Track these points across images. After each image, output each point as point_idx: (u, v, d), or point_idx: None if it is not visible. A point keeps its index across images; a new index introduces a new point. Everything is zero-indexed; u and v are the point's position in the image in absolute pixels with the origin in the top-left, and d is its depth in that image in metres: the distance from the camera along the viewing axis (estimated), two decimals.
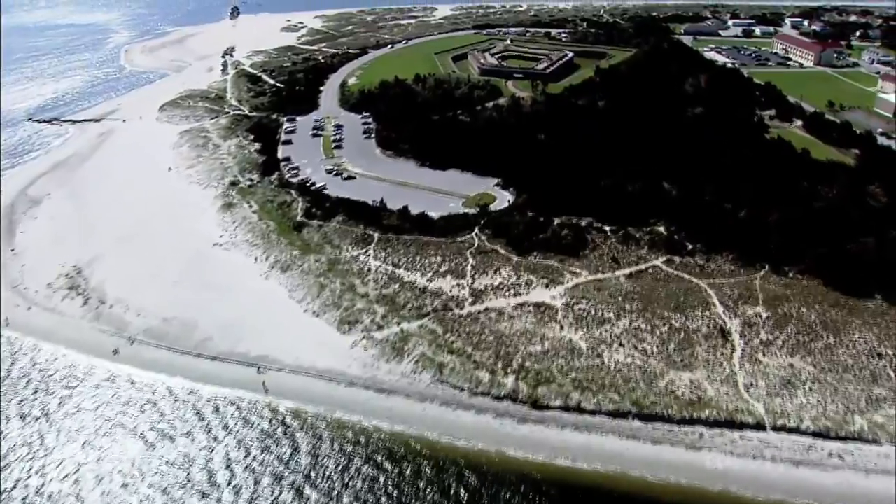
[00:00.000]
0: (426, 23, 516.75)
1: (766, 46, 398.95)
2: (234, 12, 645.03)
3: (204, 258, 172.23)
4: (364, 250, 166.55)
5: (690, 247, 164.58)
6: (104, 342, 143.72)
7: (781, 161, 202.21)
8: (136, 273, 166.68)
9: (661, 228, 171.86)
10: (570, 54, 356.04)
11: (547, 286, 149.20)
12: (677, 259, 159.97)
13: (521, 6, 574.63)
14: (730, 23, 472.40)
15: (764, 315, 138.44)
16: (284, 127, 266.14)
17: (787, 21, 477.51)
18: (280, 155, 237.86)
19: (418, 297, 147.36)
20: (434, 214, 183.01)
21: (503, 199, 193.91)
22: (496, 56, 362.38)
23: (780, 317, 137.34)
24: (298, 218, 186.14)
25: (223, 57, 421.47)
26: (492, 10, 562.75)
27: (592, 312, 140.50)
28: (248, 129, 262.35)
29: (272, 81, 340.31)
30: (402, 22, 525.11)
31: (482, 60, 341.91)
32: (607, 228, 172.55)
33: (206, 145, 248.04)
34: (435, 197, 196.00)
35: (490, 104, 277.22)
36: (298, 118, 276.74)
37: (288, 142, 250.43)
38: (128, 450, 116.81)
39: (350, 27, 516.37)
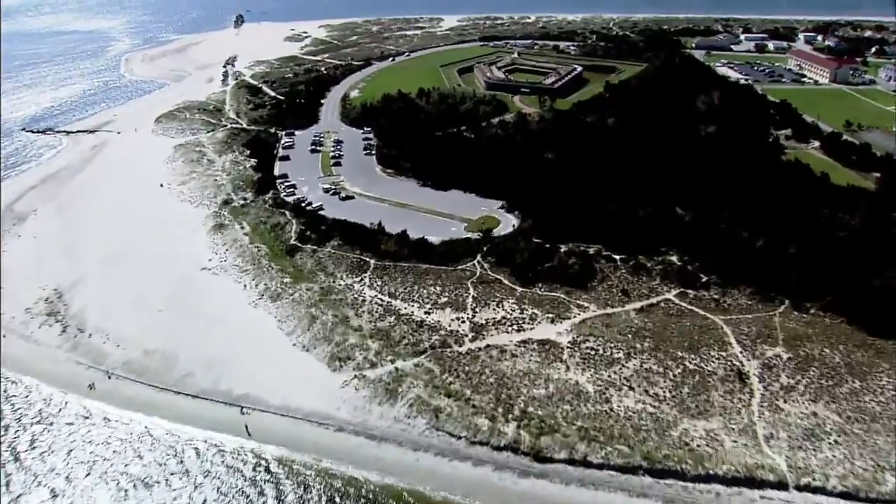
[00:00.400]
0: (432, 34, 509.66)
1: (779, 62, 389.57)
2: (239, 21, 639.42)
3: (191, 283, 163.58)
4: (359, 278, 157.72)
5: (705, 279, 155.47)
6: (80, 376, 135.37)
7: (799, 185, 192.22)
8: (119, 299, 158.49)
9: (674, 258, 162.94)
10: (579, 68, 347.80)
11: (552, 321, 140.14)
12: (691, 292, 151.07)
13: (529, 18, 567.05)
14: (742, 37, 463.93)
15: (784, 356, 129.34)
16: (282, 142, 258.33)
17: (801, 36, 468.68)
18: (276, 172, 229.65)
19: (415, 331, 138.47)
20: (434, 239, 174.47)
21: (507, 223, 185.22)
22: (503, 69, 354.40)
23: (802, 358, 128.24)
24: (292, 241, 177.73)
25: (224, 67, 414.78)
26: (499, 22, 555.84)
27: (600, 351, 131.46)
28: (244, 143, 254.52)
29: (272, 93, 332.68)
30: (408, 33, 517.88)
31: (488, 74, 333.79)
32: (617, 257, 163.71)
33: (201, 160, 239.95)
34: (436, 220, 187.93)
35: (496, 120, 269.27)
36: (297, 133, 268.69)
37: (285, 158, 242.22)
38: (100, 498, 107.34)
39: (355, 37, 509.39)
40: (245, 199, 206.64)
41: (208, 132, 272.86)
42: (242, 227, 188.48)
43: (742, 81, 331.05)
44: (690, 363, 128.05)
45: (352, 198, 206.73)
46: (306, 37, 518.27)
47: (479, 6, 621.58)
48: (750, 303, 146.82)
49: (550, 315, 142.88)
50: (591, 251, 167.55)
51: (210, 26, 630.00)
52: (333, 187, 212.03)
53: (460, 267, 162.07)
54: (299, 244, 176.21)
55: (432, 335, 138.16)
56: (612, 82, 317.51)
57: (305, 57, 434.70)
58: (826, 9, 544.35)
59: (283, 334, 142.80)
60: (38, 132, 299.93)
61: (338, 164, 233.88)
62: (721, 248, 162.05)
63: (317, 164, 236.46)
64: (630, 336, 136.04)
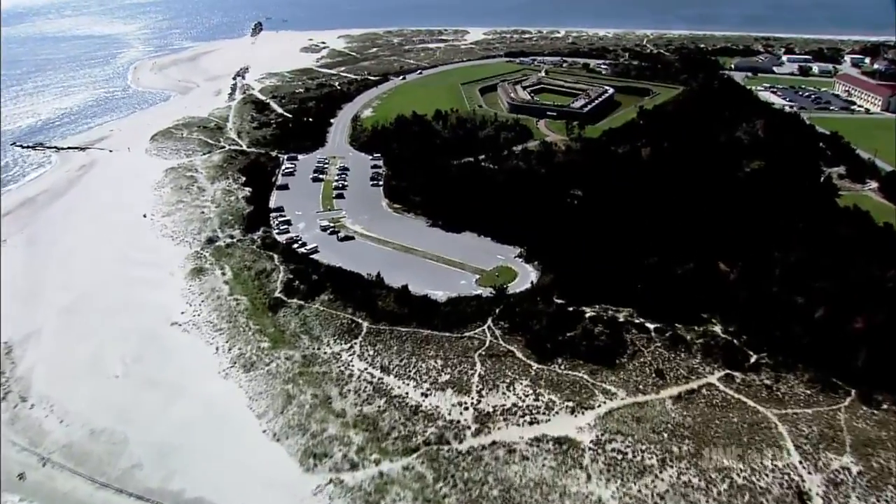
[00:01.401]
0: (455, 47, 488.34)
1: (825, 87, 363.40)
2: (257, 28, 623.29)
3: (157, 342, 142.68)
4: (349, 345, 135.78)
5: (754, 358, 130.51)
6: (11, 460, 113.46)
7: (860, 238, 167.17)
8: (74, 359, 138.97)
9: (717, 328, 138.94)
10: (611, 90, 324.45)
11: (573, 411, 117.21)
12: (738, 376, 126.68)
13: (558, 32, 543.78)
14: (784, 58, 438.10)
15: (854, 469, 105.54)
16: (283, 167, 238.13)
17: (847, 58, 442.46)
18: (272, 203, 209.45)
19: (407, 419, 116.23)
20: (440, 295, 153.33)
21: (525, 275, 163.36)
22: (528, 90, 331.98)
23: (876, 473, 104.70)
24: (276, 294, 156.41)
25: (234, 79, 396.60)
26: (527, 36, 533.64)
27: (629, 455, 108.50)
28: (240, 169, 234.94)
29: (280, 110, 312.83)
30: (430, 46, 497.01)
31: (512, 95, 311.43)
32: (651, 326, 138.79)
33: (191, 188, 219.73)
34: (444, 270, 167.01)
35: (518, 148, 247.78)
36: (301, 157, 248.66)
37: (284, 186, 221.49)
38: None
39: (374, 49, 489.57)
40: (232, 236, 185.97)
41: (204, 154, 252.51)
42: (224, 273, 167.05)
43: (787, 108, 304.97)
44: (739, 476, 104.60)
45: (351, 238, 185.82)
46: (324, 48, 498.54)
47: (507, 19, 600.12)
48: (809, 392, 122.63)
49: (570, 403, 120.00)
50: (621, 317, 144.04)
51: (227, 34, 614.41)
52: (332, 225, 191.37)
53: (468, 334, 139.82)
54: (284, 297, 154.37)
55: (428, 426, 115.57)
56: (646, 107, 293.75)
57: (320, 70, 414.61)
58: (871, 28, 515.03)
59: (252, 416, 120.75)
60: (28, 147, 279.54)
61: (340, 196, 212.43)
62: (773, 319, 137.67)
63: (317, 195, 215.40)
64: (666, 435, 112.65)
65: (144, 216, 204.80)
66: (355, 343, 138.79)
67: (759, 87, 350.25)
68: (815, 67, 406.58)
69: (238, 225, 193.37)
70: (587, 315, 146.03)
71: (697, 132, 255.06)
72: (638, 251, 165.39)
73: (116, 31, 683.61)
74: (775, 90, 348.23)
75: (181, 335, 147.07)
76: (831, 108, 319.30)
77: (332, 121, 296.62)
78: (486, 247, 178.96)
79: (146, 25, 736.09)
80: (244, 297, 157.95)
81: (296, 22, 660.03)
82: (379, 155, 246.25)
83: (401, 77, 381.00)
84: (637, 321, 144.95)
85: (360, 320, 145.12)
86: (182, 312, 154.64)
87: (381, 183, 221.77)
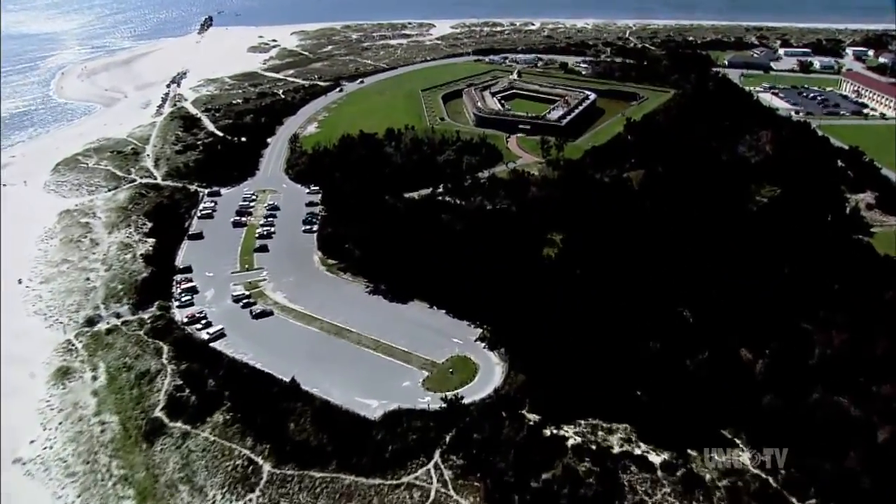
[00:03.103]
0: (420, 44, 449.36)
1: (830, 86, 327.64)
2: (206, 24, 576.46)
3: None
4: None
5: None
6: None
7: None
8: None
9: (745, 456, 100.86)
10: (592, 96, 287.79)
11: None
12: None
13: (532, 24, 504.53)
14: (781, 52, 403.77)
15: None
16: (201, 207, 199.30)
17: (849, 51, 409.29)
18: (179, 261, 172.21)
19: None
20: (374, 407, 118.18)
21: (488, 370, 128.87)
22: (498, 96, 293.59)
23: None
24: (157, 412, 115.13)
25: (168, 87, 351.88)
26: (498, 29, 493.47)
27: None
28: (147, 212, 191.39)
29: (211, 127, 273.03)
30: (392, 42, 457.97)
31: (479, 104, 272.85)
32: (656, 460, 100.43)
33: (83, 240, 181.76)
34: (384, 363, 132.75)
35: (485, 174, 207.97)
36: (224, 191, 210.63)
37: (197, 235, 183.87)
38: None
39: (329, 47, 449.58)
40: (118, 315, 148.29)
41: (109, 190, 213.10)
42: (95, 377, 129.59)
43: (792, 115, 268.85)
44: None
45: (269, 314, 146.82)
46: (274, 46, 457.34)
47: (478, 9, 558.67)
48: None
49: None
50: (615, 443, 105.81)
51: (174, 31, 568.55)
52: (247, 294, 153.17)
53: (406, 479, 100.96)
54: (166, 419, 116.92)
55: None
56: (633, 118, 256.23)
57: (266, 73, 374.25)
58: (868, 14, 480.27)
59: None
60: None
61: (264, 248, 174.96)
62: (820, 441, 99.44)
63: (237, 247, 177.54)
64: None
65: (20, 282, 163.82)
66: (250, 499, 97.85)
67: (758, 89, 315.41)
68: (817, 62, 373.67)
69: (128, 298, 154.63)
70: (569, 442, 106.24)
71: (695, 149, 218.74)
72: (634, 329, 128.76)
73: (55, 29, 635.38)
74: (776, 91, 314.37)
75: (22, 481, 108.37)
76: (841, 112, 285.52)
77: (269, 140, 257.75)
78: (439, 324, 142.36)
79: (89, 22, 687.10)
80: (115, 416, 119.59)
81: (250, 16, 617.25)
82: (317, 188, 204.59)
83: (358, 82, 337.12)
84: (637, 451, 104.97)
85: (260, 460, 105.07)
86: (32, 441, 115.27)
87: (315, 228, 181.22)
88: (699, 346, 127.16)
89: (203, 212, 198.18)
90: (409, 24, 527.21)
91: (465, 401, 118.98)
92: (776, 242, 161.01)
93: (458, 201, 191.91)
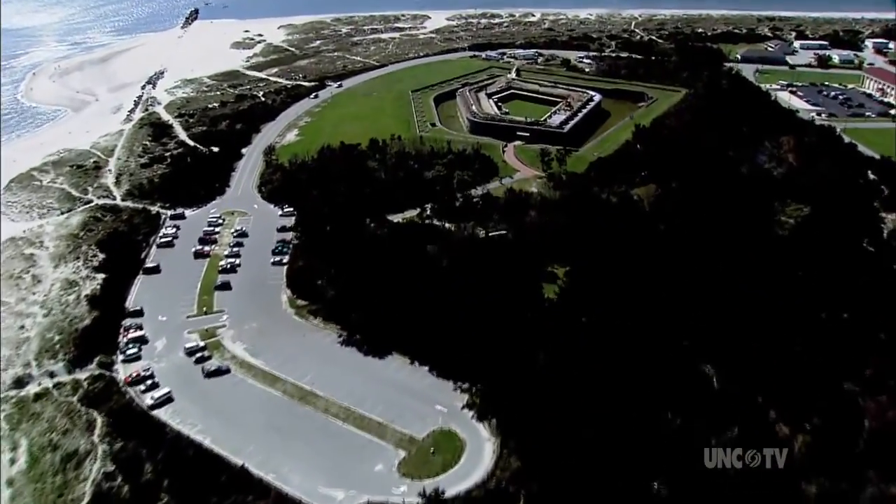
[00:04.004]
0: (413, 38, 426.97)
1: (851, 83, 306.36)
2: (192, 17, 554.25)
3: None
4: None
5: None
6: None
7: None
8: None
9: None
10: (597, 97, 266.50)
11: None
12: None
13: (532, 15, 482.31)
14: (796, 45, 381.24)
15: None
16: (161, 233, 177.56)
17: (868, 43, 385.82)
18: (130, 302, 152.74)
19: None
20: (340, 500, 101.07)
21: (477, 447, 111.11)
22: (495, 98, 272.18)
23: None
24: None
25: (143, 88, 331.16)
26: (496, 21, 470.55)
27: None
28: (99, 241, 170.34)
29: (183, 135, 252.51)
30: (384, 36, 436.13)
31: (474, 108, 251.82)
32: None
33: (24, 276, 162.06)
34: (355, 439, 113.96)
35: (479, 191, 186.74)
36: (189, 213, 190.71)
37: (153, 269, 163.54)
38: None
39: (317, 43, 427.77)
40: (52, 374, 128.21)
41: (62, 213, 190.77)
42: (13, 460, 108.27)
43: (814, 116, 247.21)
44: None
45: (225, 372, 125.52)
46: (259, 41, 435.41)
47: (474, 0, 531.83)
48: None
49: None
50: None
51: (157, 25, 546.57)
52: (201, 346, 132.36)
53: None
54: None
55: None
56: (642, 123, 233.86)
57: (247, 73, 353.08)
58: (886, 4, 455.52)
59: None
60: None
61: (226, 286, 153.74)
62: None
63: (196, 283, 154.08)
64: None
65: None
66: None
67: (774, 86, 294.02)
68: (835, 56, 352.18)
69: (65, 352, 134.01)
70: None
71: (712, 161, 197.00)
72: (649, 396, 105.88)
73: (34, 24, 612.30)
74: (794, 89, 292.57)
75: None
76: (867, 114, 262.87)
77: (243, 151, 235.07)
78: (420, 385, 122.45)
79: (71, 15, 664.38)
80: None
81: (237, 8, 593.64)
82: (291, 209, 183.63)
83: (336, 85, 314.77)
84: None
85: None
86: None
87: (286, 260, 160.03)
88: (726, 417, 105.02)
89: (163, 239, 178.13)
90: (403, 16, 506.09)
91: (448, 493, 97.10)
92: (810, 278, 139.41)
93: (448, 225, 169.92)
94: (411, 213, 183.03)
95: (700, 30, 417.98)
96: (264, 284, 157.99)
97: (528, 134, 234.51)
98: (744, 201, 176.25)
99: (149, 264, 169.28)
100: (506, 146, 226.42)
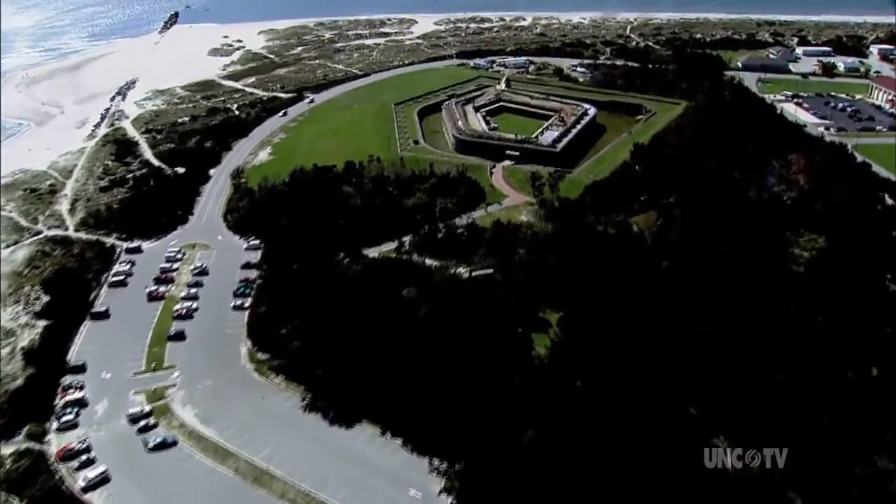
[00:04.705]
0: (399, 44, 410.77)
1: (858, 92, 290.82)
2: (171, 20, 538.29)
3: None
4: None
5: None
6: None
7: None
8: None
9: None
10: (592, 110, 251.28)
11: None
12: None
13: (524, 20, 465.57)
14: (799, 51, 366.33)
15: None
16: (114, 271, 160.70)
17: (874, 49, 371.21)
18: (72, 354, 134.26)
19: None
20: None
21: None
22: (483, 111, 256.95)
23: None
24: None
25: (112, 100, 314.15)
26: (486, 26, 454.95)
27: None
28: (45, 279, 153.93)
29: (148, 154, 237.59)
30: (368, 42, 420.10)
31: (460, 124, 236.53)
32: None
33: None
34: None
35: (463, 220, 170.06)
36: (146, 246, 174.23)
37: (102, 314, 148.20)
38: None
39: (299, 49, 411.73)
40: None
41: (8, 246, 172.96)
42: None
43: (822, 131, 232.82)
44: None
45: (171, 445, 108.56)
46: (238, 48, 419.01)
47: (463, 3, 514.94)
48: None
49: None
50: None
51: (136, 29, 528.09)
52: (146, 413, 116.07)
53: None
54: None
55: None
56: (641, 141, 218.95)
57: (223, 82, 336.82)
58: (889, 7, 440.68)
59: None
60: None
61: (180, 335, 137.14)
62: None
63: (147, 331, 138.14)
64: None
65: None
66: None
67: (778, 97, 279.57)
68: (840, 64, 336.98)
69: None
70: None
71: (717, 184, 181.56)
72: (653, 479, 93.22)
73: (7, 28, 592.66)
74: (800, 101, 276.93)
75: None
76: (879, 127, 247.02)
77: (212, 172, 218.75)
78: (392, 463, 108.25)
79: (48, 18, 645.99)
80: None
81: (219, 11, 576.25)
82: (258, 241, 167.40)
83: (308, 100, 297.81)
84: None
85: None
86: None
87: (248, 304, 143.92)
88: None
89: (115, 278, 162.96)
90: (389, 20, 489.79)
91: None
92: (831, 325, 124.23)
93: (428, 261, 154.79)
94: (389, 246, 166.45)
95: (698, 35, 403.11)
96: (222, 333, 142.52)
97: (517, 153, 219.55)
98: (754, 232, 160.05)
99: (97, 308, 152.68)
100: (494, 167, 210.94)
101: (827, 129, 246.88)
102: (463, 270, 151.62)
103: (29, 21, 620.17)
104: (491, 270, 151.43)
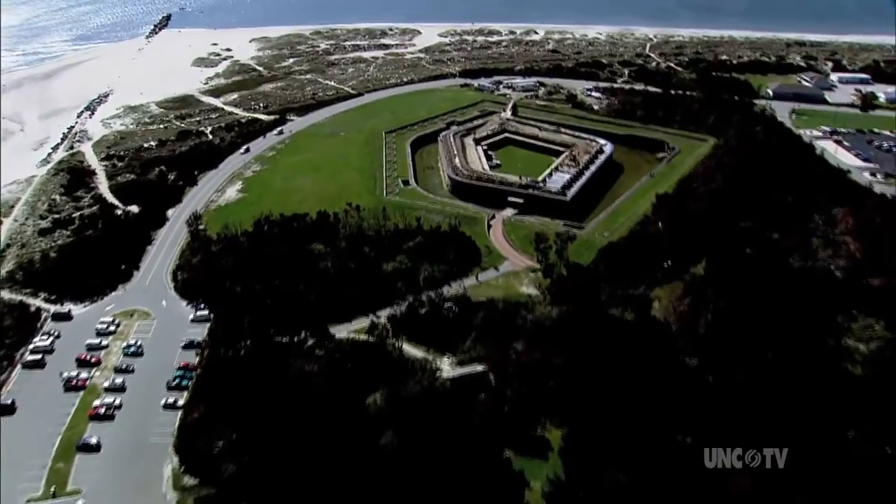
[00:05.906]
0: (399, 57, 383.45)
1: None
2: (162, 24, 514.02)
3: None
4: None
5: None
6: None
7: None
8: None
9: None
10: (609, 147, 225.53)
11: None
12: None
13: (535, 33, 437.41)
14: (833, 78, 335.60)
15: None
16: (31, 347, 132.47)
17: None
18: None
19: None
20: None
21: None
22: (485, 144, 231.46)
23: None
24: None
25: (79, 116, 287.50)
26: (493, 39, 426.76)
27: None
28: None
29: (104, 186, 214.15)
30: (366, 55, 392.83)
31: (457, 162, 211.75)
32: None
33: None
34: None
35: (451, 290, 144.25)
36: (77, 312, 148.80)
37: (6, 410, 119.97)
38: None
39: (290, 61, 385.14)
40: None
41: None
42: None
43: (867, 175, 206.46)
44: None
45: None
46: (226, 58, 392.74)
47: (473, 13, 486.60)
48: None
49: None
50: None
51: (121, 33, 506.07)
52: None
53: None
54: None
55: None
56: (664, 190, 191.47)
57: (203, 98, 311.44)
58: None
59: None
60: None
61: (93, 447, 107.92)
62: None
63: (56, 436, 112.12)
64: None
65: None
66: None
67: (816, 133, 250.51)
68: (881, 94, 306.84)
69: None
70: None
71: (753, 245, 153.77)
72: None
73: None
74: (839, 138, 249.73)
75: None
76: None
77: (170, 213, 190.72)
78: None
79: (35, 17, 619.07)
80: None
81: (213, 15, 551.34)
82: (206, 313, 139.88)
83: (276, 132, 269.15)
84: None
85: None
86: None
87: (181, 402, 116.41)
88: None
89: (32, 356, 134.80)
90: (391, 29, 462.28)
91: None
92: None
93: (405, 348, 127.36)
94: (362, 323, 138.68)
95: (724, 56, 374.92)
96: (145, 444, 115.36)
97: (521, 200, 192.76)
98: (802, 317, 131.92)
99: (2, 399, 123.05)
100: (493, 218, 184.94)
101: (873, 174, 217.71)
102: (447, 367, 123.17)
103: (15, 20, 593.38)
104: (481, 369, 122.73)
